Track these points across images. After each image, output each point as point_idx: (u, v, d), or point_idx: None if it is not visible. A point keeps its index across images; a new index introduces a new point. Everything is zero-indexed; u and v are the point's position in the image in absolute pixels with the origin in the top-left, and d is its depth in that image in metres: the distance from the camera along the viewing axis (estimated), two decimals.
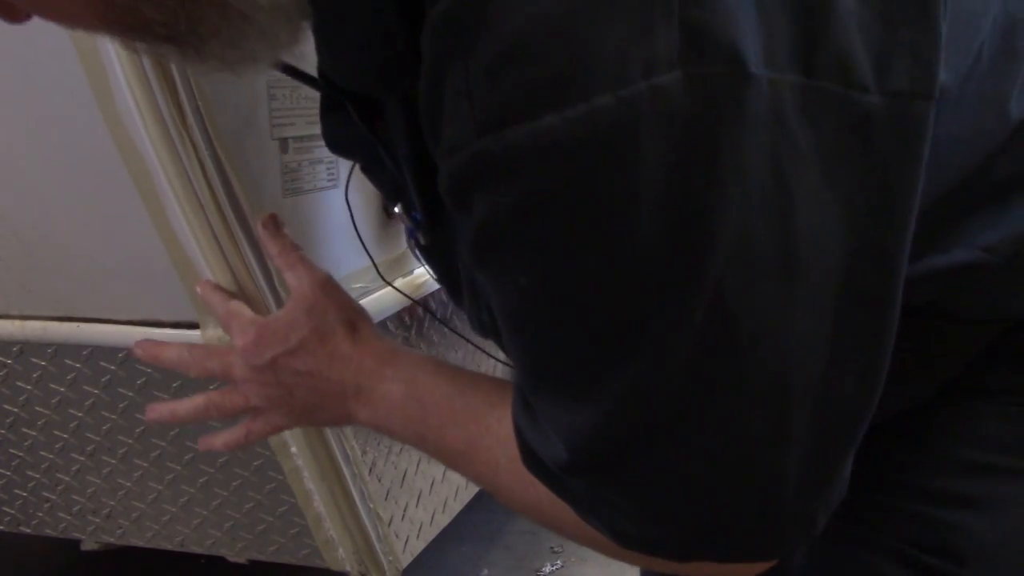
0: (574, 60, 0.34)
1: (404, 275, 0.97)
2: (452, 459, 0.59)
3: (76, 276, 0.89)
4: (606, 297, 0.38)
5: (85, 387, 1.00)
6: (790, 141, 0.36)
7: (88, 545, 1.37)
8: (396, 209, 0.60)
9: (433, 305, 1.04)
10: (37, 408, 1.05)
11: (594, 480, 0.44)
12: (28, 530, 1.23)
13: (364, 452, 0.99)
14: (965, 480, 0.52)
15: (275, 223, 0.69)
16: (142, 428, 1.02)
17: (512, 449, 0.49)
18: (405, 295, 0.89)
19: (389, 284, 0.88)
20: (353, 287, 0.90)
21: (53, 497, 1.17)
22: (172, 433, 1.01)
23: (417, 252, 0.64)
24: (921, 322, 0.49)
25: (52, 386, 1.01)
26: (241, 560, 1.17)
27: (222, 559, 1.17)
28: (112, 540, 1.21)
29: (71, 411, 1.03)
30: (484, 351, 1.00)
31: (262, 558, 1.14)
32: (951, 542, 0.51)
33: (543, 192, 0.36)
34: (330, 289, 0.65)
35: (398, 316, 0.99)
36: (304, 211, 0.84)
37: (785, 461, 0.41)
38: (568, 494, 0.47)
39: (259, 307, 0.80)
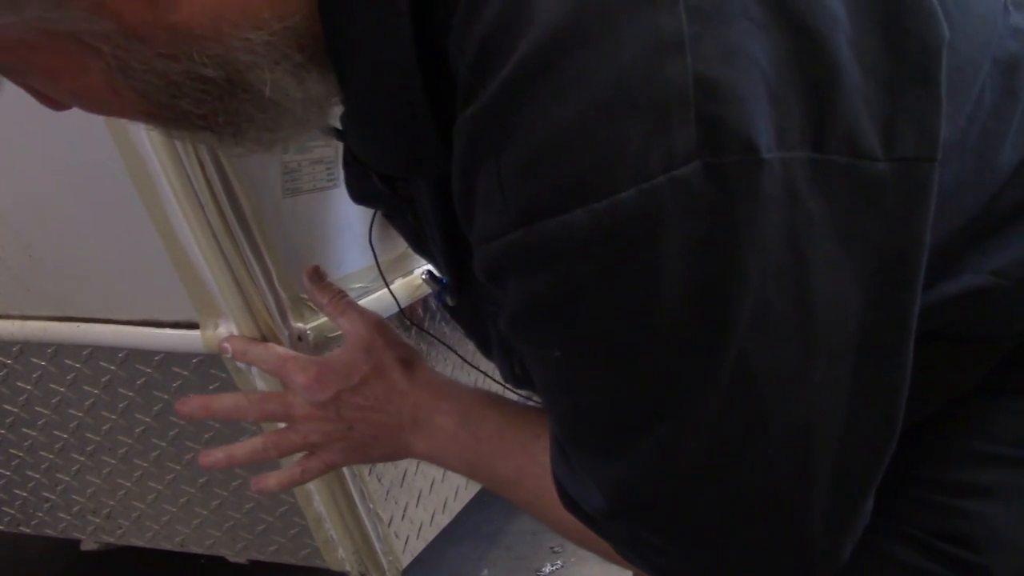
0: (598, 159, 0.36)
1: (404, 275, 0.97)
2: (502, 487, 0.63)
3: (76, 276, 0.89)
4: (636, 370, 0.41)
5: (85, 387, 1.00)
6: (803, 213, 0.38)
7: (88, 545, 1.37)
8: (423, 275, 0.64)
9: (434, 305, 1.04)
10: (37, 408, 1.05)
11: (632, 524, 0.47)
12: (28, 530, 1.23)
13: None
14: (979, 471, 0.54)
15: (319, 274, 0.72)
16: (142, 428, 1.02)
17: None
18: (396, 300, 0.89)
19: (390, 292, 0.88)
20: (353, 287, 0.90)
21: (53, 497, 1.17)
22: (172, 433, 1.01)
23: (445, 312, 0.68)
24: (935, 345, 0.51)
25: (52, 386, 1.01)
26: (241, 560, 1.17)
27: (222, 559, 1.17)
28: (112, 540, 1.21)
29: (71, 411, 1.03)
30: (474, 366, 1.00)
31: (262, 558, 1.14)
32: (966, 530, 0.53)
33: (573, 279, 0.39)
34: (383, 330, 0.68)
35: (398, 315, 0.99)
36: (304, 211, 0.84)
37: (811, 501, 0.43)
38: (608, 535, 0.50)
39: (259, 308, 0.80)
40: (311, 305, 0.84)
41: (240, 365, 0.87)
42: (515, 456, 0.61)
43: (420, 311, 1.02)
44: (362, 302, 0.90)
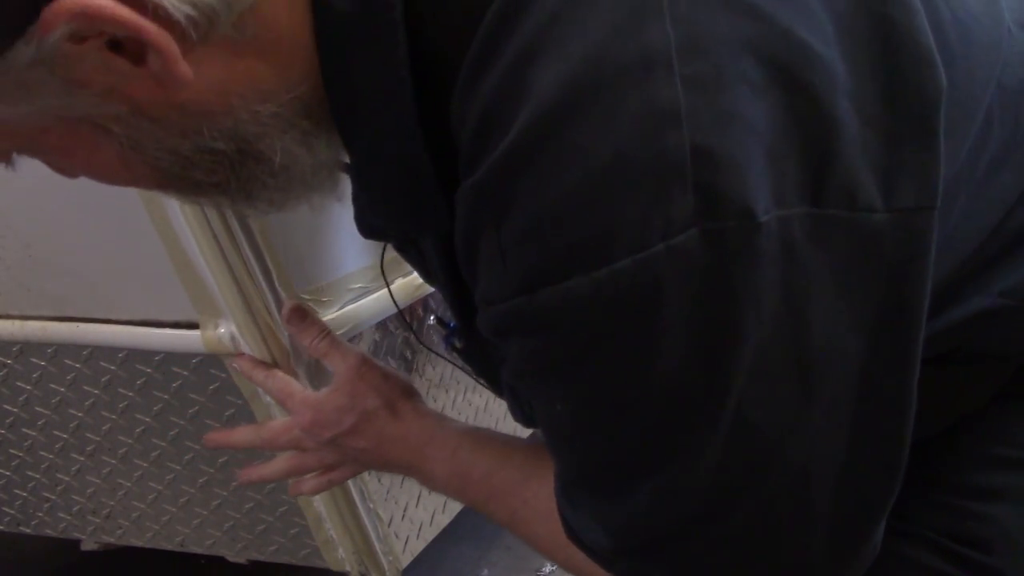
0: (597, 228, 0.37)
1: (404, 275, 0.97)
2: (500, 524, 0.65)
3: (76, 276, 0.89)
4: (637, 424, 0.42)
5: (85, 387, 1.00)
6: (800, 268, 0.39)
7: (88, 545, 1.37)
8: (430, 320, 0.67)
9: (433, 304, 1.04)
10: (37, 408, 1.05)
11: (635, 562, 0.48)
12: (28, 530, 1.23)
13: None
14: (993, 474, 0.55)
15: (299, 314, 0.74)
16: (142, 428, 1.02)
17: (549, 522, 0.54)
18: (395, 303, 0.89)
19: (391, 295, 0.88)
20: (353, 287, 0.90)
21: (53, 497, 1.17)
22: (172, 433, 1.01)
23: (455, 355, 0.69)
24: (948, 366, 0.53)
25: (52, 386, 1.01)
26: (241, 560, 1.17)
27: (222, 559, 1.17)
28: (112, 540, 1.21)
29: (71, 411, 1.03)
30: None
31: (262, 558, 1.14)
32: (979, 532, 0.54)
33: (575, 342, 0.40)
34: (365, 372, 0.69)
35: (398, 315, 0.99)
36: (304, 211, 0.84)
37: (809, 540, 0.45)
38: (612, 570, 0.51)
39: (259, 308, 0.80)
40: (311, 305, 0.84)
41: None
42: (506, 499, 0.63)
43: (420, 311, 1.02)
44: (362, 302, 0.90)
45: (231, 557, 1.16)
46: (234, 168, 0.45)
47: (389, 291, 0.81)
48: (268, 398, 0.88)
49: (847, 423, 0.43)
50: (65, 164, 0.46)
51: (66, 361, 0.98)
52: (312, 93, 0.44)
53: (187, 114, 0.42)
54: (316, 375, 0.87)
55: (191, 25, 0.38)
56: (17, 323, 0.95)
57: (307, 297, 0.84)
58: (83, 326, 0.92)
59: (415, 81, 0.42)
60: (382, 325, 0.99)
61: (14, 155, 0.45)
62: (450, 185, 0.43)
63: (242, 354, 0.82)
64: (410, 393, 0.71)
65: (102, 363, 0.96)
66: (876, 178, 0.39)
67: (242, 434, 0.77)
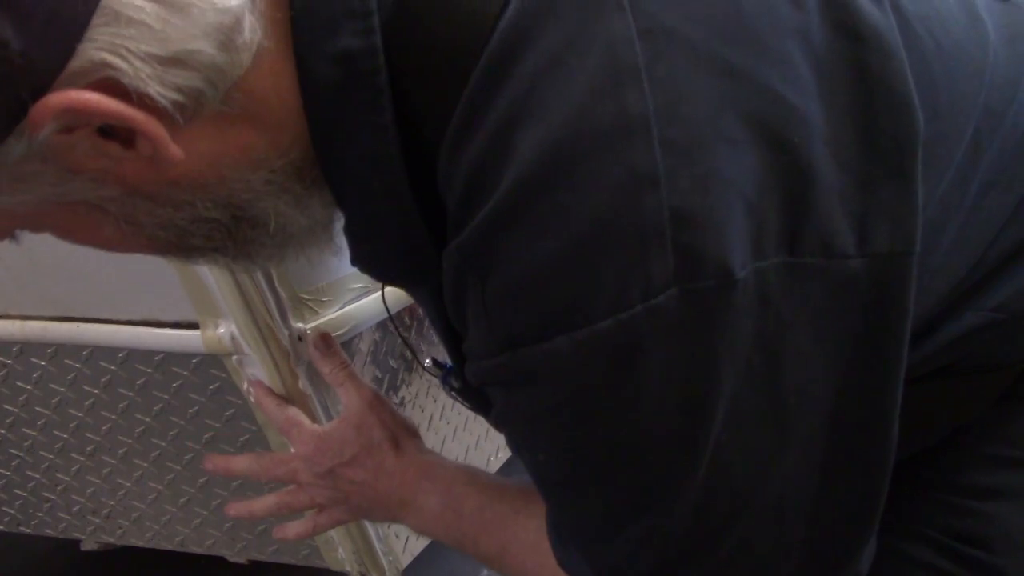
0: (577, 291, 0.38)
1: None
2: (488, 561, 0.66)
3: (76, 276, 0.89)
4: (618, 472, 0.43)
5: (85, 387, 1.00)
6: (775, 317, 0.40)
7: (88, 545, 1.37)
8: (427, 363, 0.69)
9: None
10: (37, 408, 1.05)
11: None
12: (28, 530, 1.23)
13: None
14: (993, 474, 0.56)
15: (326, 343, 0.76)
16: (142, 428, 1.02)
17: (538, 555, 0.56)
18: (387, 308, 0.89)
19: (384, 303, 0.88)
20: (353, 287, 0.90)
21: (53, 497, 1.17)
22: (172, 433, 1.01)
23: (453, 394, 0.71)
24: (946, 380, 0.54)
25: (52, 386, 1.01)
26: (241, 560, 1.17)
27: (222, 559, 1.17)
28: (112, 540, 1.21)
29: (71, 411, 1.03)
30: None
31: (262, 558, 1.14)
32: (980, 530, 0.55)
33: (556, 398, 0.41)
34: (376, 406, 0.72)
35: (398, 316, 0.99)
36: None
37: (787, 570, 0.46)
38: None
39: (259, 308, 0.80)
40: (311, 306, 0.84)
41: (237, 366, 0.87)
42: (496, 533, 0.64)
43: (407, 318, 1.02)
44: (362, 302, 0.90)
45: (231, 557, 1.16)
46: (230, 233, 0.46)
47: (384, 298, 0.81)
48: None
49: (820, 460, 0.44)
50: (67, 240, 0.47)
51: (66, 361, 0.98)
52: (303, 156, 0.45)
53: (180, 188, 0.43)
54: (315, 376, 0.87)
55: (178, 109, 0.39)
56: (17, 323, 0.95)
57: (307, 297, 0.84)
58: (83, 326, 0.92)
59: (403, 144, 0.42)
60: (382, 325, 0.99)
61: (17, 231, 0.46)
62: (440, 241, 0.44)
63: (258, 381, 0.84)
64: (414, 432, 0.73)
65: (102, 363, 0.96)
66: (851, 224, 0.40)
67: (241, 461, 0.78)
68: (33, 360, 1.00)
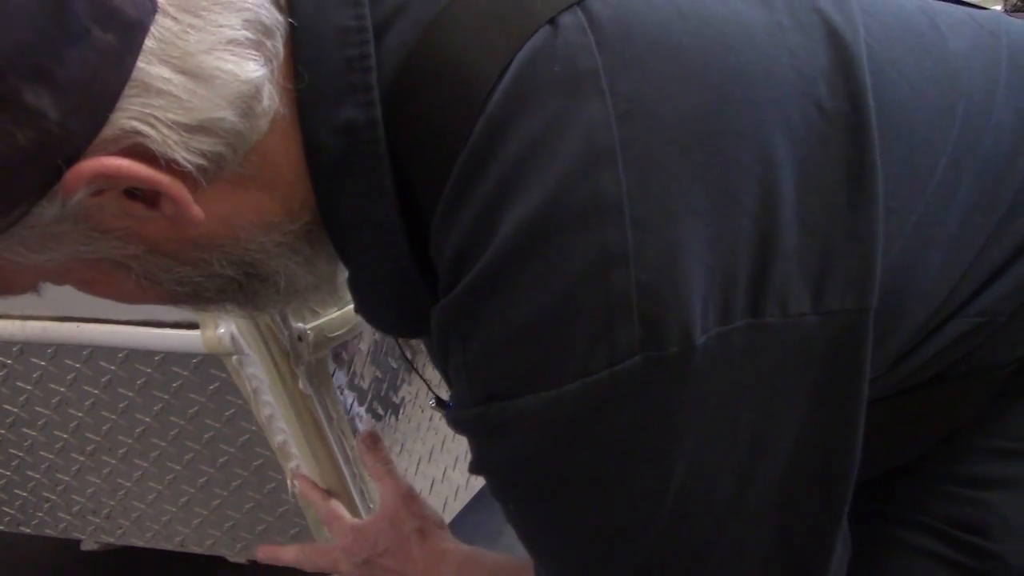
0: (547, 355, 0.41)
1: None
2: None
3: None
4: (580, 524, 0.47)
5: (85, 387, 1.00)
6: (735, 376, 0.43)
7: (88, 545, 1.37)
8: (431, 402, 0.72)
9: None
10: (37, 408, 1.05)
11: None
12: (28, 530, 1.23)
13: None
14: (992, 464, 0.57)
15: (373, 439, 0.83)
16: (142, 428, 1.02)
17: None
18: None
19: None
20: None
21: (53, 497, 1.17)
22: (172, 433, 1.01)
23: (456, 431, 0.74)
24: (942, 384, 0.55)
25: (52, 386, 1.01)
26: (241, 560, 1.17)
27: (222, 559, 1.17)
28: (112, 540, 1.21)
29: (71, 411, 1.03)
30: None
31: None
32: (979, 518, 0.56)
33: (522, 452, 0.45)
34: (409, 501, 0.79)
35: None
36: None
37: None
38: None
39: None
40: (311, 306, 0.84)
41: (237, 366, 0.87)
42: None
43: None
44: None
45: (231, 557, 1.16)
46: (242, 288, 0.49)
47: None
48: (268, 396, 0.88)
49: (779, 502, 0.46)
50: (89, 290, 0.49)
51: (66, 361, 0.98)
52: (313, 220, 0.47)
53: (198, 247, 0.45)
54: (315, 376, 0.87)
55: (201, 173, 0.41)
56: (17, 323, 0.95)
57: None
58: (83, 326, 0.92)
59: (401, 208, 0.45)
60: None
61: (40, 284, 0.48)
62: (435, 298, 0.47)
63: (303, 476, 0.92)
64: (440, 524, 0.80)
65: (102, 363, 0.96)
66: (808, 284, 0.43)
67: (290, 552, 0.87)
68: (33, 360, 1.00)
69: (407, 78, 0.43)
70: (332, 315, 0.87)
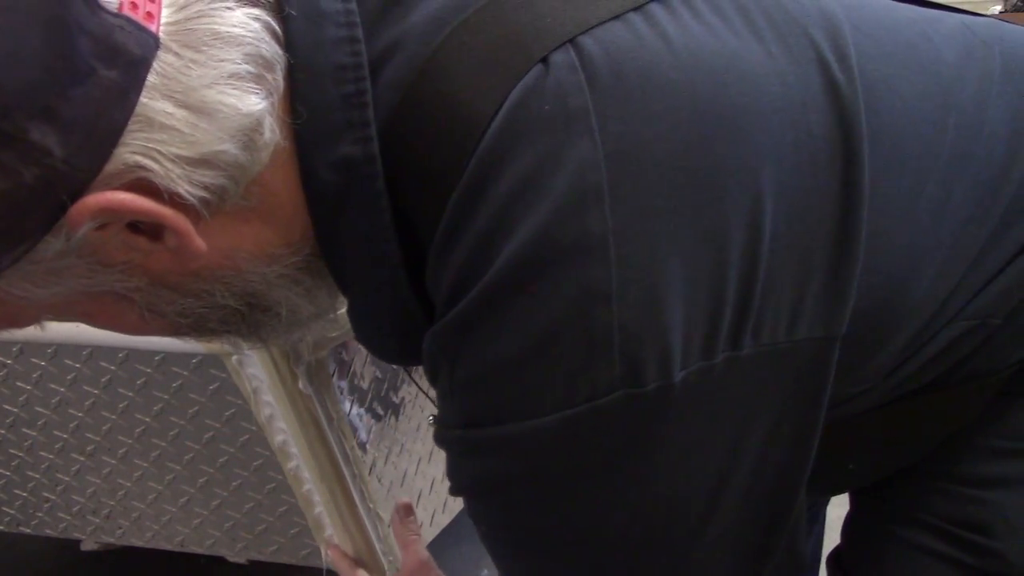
0: (527, 387, 0.42)
1: None
2: None
3: None
4: (547, 550, 0.48)
5: (85, 387, 1.00)
6: (710, 408, 0.44)
7: (88, 545, 1.37)
8: (429, 420, 0.76)
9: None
10: (37, 408, 1.05)
11: None
12: (28, 530, 1.23)
13: (364, 452, 0.99)
14: (991, 464, 0.58)
15: (408, 510, 0.87)
16: (142, 428, 1.02)
17: None
18: None
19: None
20: None
21: (53, 497, 1.17)
22: (172, 433, 1.01)
23: None
24: (941, 391, 0.56)
25: (52, 386, 1.01)
26: (241, 560, 1.17)
27: (222, 559, 1.17)
28: (112, 540, 1.21)
29: (71, 411, 1.03)
30: None
31: (262, 558, 1.14)
32: (980, 517, 0.57)
33: (496, 474, 0.46)
34: (426, 568, 0.84)
35: None
36: None
37: None
38: None
39: None
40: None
41: (237, 366, 0.87)
42: None
43: None
44: None
45: (231, 557, 1.16)
46: (245, 319, 0.50)
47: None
48: (268, 396, 0.88)
49: (737, 519, 0.48)
50: (92, 323, 0.50)
51: (66, 361, 0.98)
52: (314, 251, 0.48)
53: (201, 279, 0.46)
54: (315, 376, 0.87)
55: (204, 205, 0.42)
56: None
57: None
58: (83, 326, 0.92)
59: (399, 240, 0.46)
60: None
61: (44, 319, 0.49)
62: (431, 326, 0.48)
63: (335, 546, 0.96)
64: None
65: (102, 363, 0.96)
66: (784, 315, 0.44)
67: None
68: (33, 360, 1.00)
69: (403, 116, 0.44)
70: (332, 315, 0.87)
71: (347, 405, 0.98)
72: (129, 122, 0.38)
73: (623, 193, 0.41)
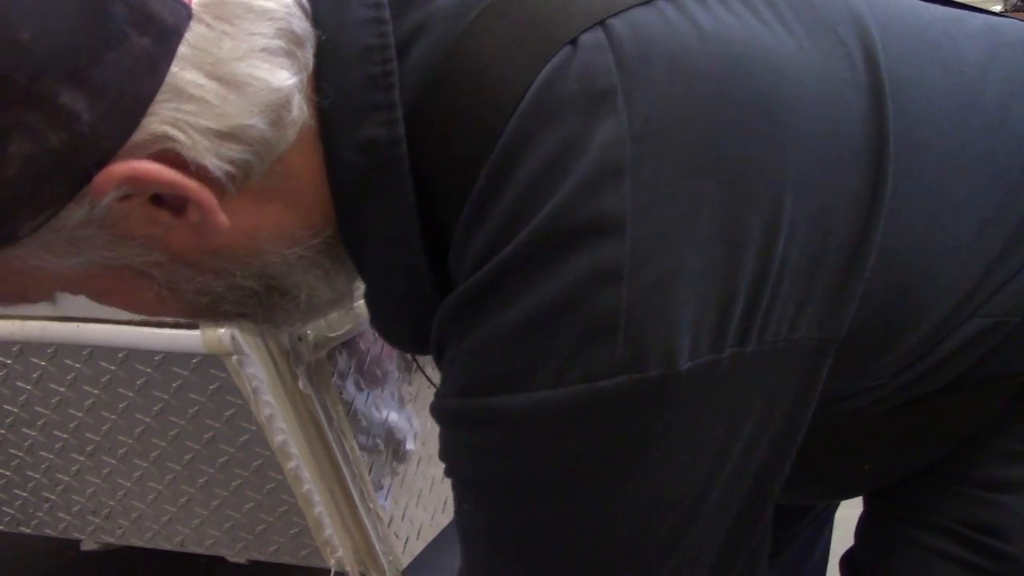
0: (524, 359, 0.42)
1: None
2: None
3: None
4: (531, 535, 0.47)
5: (85, 387, 1.00)
6: (710, 403, 0.43)
7: (88, 545, 1.37)
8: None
9: None
10: (37, 408, 1.05)
11: None
12: (28, 530, 1.23)
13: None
14: (1008, 468, 0.57)
15: None
16: (142, 428, 1.02)
17: None
18: None
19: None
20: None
21: (53, 497, 1.17)
22: (172, 433, 1.01)
23: None
24: (956, 393, 0.55)
25: (52, 386, 1.01)
26: (241, 560, 1.17)
27: (222, 559, 1.17)
28: (112, 540, 1.21)
29: (71, 411, 1.03)
30: None
31: (262, 558, 1.14)
32: (996, 520, 0.56)
33: (485, 448, 0.45)
34: None
35: None
36: None
37: None
38: None
39: None
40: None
41: (237, 366, 0.87)
42: None
43: None
44: (361, 302, 0.90)
45: (231, 557, 1.16)
46: (261, 302, 0.49)
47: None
48: (268, 396, 0.88)
49: (716, 515, 0.47)
50: (103, 302, 0.50)
51: (66, 361, 0.98)
52: (335, 235, 0.48)
53: (220, 258, 0.45)
54: (315, 376, 0.87)
55: (229, 180, 0.41)
56: (17, 323, 0.95)
57: None
58: (83, 326, 0.92)
59: (421, 224, 0.45)
60: None
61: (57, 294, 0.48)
62: None
63: None
64: None
65: (102, 363, 0.96)
66: (789, 314, 0.43)
67: None
68: (33, 360, 1.00)
69: (430, 98, 0.44)
70: (332, 315, 0.87)
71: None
72: (159, 92, 0.38)
73: (645, 175, 0.40)
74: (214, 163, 0.40)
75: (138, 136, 0.38)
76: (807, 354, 0.45)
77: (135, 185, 0.39)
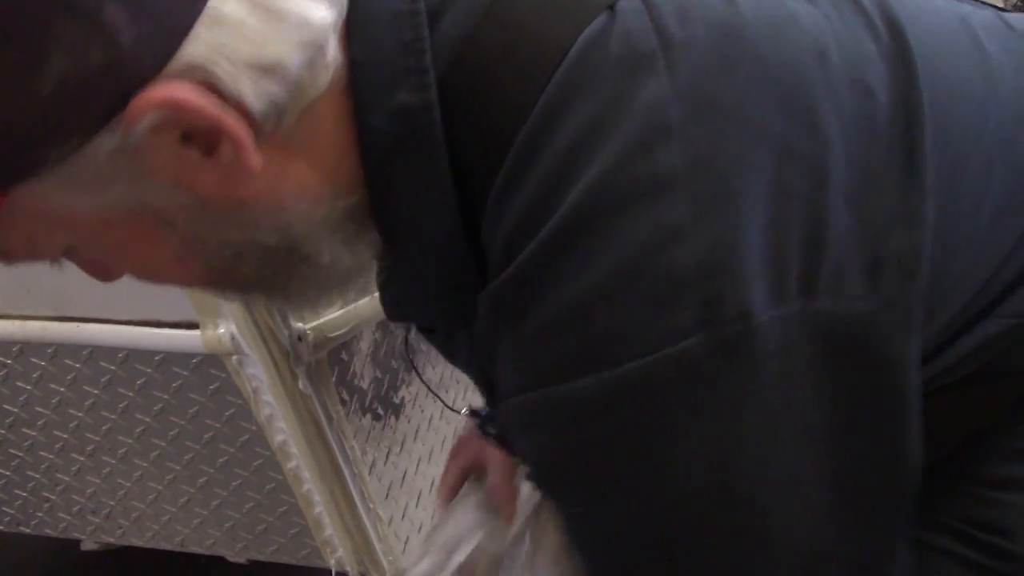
0: (601, 336, 0.39)
1: None
2: None
3: (76, 276, 0.89)
4: (648, 524, 0.44)
5: (85, 387, 1.00)
6: (795, 364, 0.41)
7: (88, 545, 1.37)
8: (463, 411, 0.71)
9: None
10: (37, 408, 1.05)
11: None
12: (28, 530, 1.24)
13: (364, 452, 0.99)
14: (1014, 466, 0.56)
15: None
16: (142, 428, 1.02)
17: None
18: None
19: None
20: None
21: (53, 497, 1.17)
22: (172, 433, 1.01)
23: (490, 440, 0.74)
24: (971, 387, 0.55)
25: (52, 386, 1.01)
26: (241, 560, 1.17)
27: (222, 559, 1.17)
28: (112, 540, 1.21)
29: (71, 411, 1.03)
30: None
31: (262, 558, 1.14)
32: (1001, 519, 0.55)
33: (582, 440, 0.42)
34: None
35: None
36: None
37: None
38: None
39: (259, 307, 0.80)
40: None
41: (237, 366, 0.87)
42: None
43: None
44: (362, 302, 0.90)
45: (231, 557, 1.16)
46: (281, 264, 0.47)
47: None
48: (268, 396, 0.88)
49: (831, 501, 0.44)
50: (118, 262, 0.48)
51: (66, 361, 0.98)
52: (360, 202, 0.46)
53: (246, 208, 0.44)
54: (315, 376, 0.87)
55: (264, 119, 0.40)
56: (17, 323, 0.95)
57: None
58: (83, 326, 0.92)
59: (455, 192, 0.44)
60: (383, 325, 0.99)
61: (61, 257, 0.47)
62: (482, 287, 0.45)
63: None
64: None
65: (102, 363, 0.96)
66: (862, 267, 0.42)
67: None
68: (33, 360, 1.00)
69: (463, 64, 0.43)
70: (332, 315, 0.87)
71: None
72: (199, 19, 0.37)
73: (692, 134, 0.39)
74: (251, 98, 0.39)
75: (175, 64, 0.37)
76: (895, 313, 0.43)
77: (172, 112, 0.38)
